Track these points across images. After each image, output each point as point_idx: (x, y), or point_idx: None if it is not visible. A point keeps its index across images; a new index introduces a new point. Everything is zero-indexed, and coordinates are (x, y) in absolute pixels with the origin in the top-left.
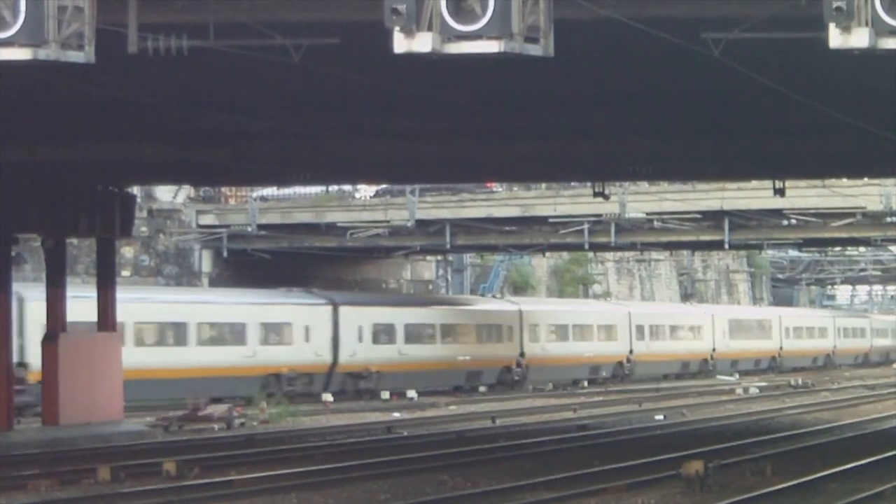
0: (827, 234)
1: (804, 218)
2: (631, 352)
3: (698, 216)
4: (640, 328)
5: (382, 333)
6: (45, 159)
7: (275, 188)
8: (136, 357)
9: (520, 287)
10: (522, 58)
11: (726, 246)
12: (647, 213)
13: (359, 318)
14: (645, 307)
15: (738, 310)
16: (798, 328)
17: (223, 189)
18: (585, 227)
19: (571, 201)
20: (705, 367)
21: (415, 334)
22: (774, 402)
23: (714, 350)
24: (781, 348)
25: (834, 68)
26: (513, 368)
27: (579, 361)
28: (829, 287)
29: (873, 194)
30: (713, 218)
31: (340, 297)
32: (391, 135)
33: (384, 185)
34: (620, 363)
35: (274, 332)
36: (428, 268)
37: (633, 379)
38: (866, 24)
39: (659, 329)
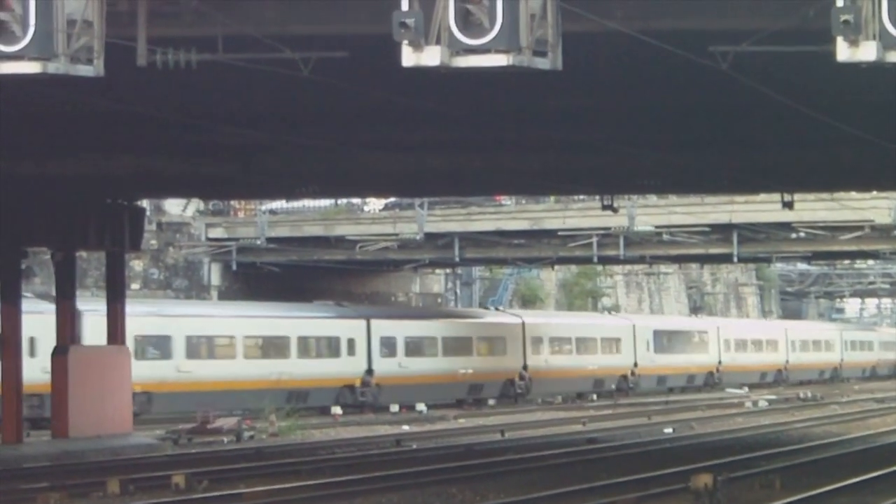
0: (835, 248)
1: (813, 231)
2: (525, 367)
3: (707, 229)
4: (536, 340)
5: None
6: (54, 173)
7: (284, 201)
8: None
9: (529, 300)
10: (531, 71)
11: (735, 259)
12: (656, 227)
13: None
14: (544, 317)
15: (667, 320)
16: (741, 341)
17: (232, 202)
18: (594, 240)
19: (580, 214)
20: (624, 385)
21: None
22: (783, 416)
23: (636, 366)
24: (720, 363)
25: (841, 81)
26: (356, 388)
27: (452, 379)
28: (838, 300)
29: (882, 207)
30: (722, 231)
31: None
32: (400, 148)
33: (393, 199)
34: (511, 381)
35: None
36: (437, 281)
37: (528, 399)
38: (874, 38)
39: (561, 342)
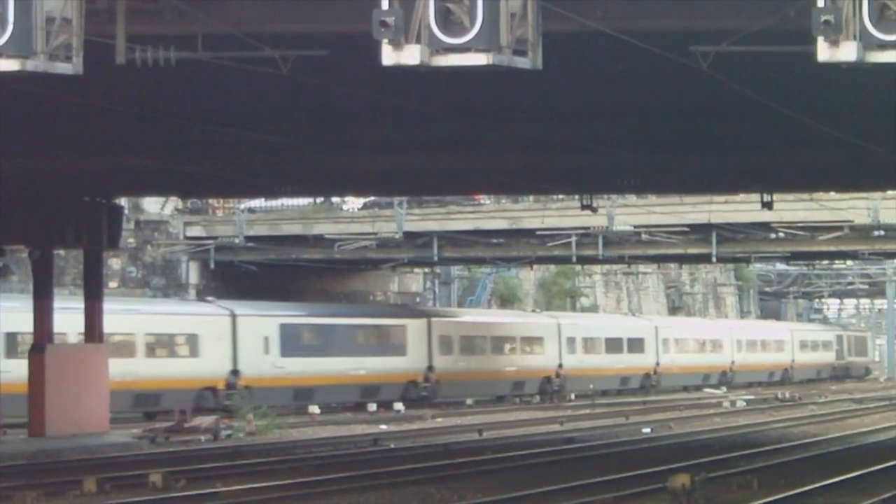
0: (814, 248)
1: (792, 231)
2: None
3: (686, 229)
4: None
5: None
6: (32, 170)
7: (262, 200)
8: None
9: (507, 299)
10: (511, 70)
11: (714, 259)
12: (635, 226)
13: None
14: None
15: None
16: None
17: (211, 200)
18: (573, 239)
19: (559, 214)
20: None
21: None
22: (761, 416)
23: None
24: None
25: (822, 82)
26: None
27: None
28: (817, 301)
29: (861, 208)
30: (701, 231)
31: None
32: (379, 147)
33: (372, 198)
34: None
35: None
36: (415, 280)
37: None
38: (854, 38)
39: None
